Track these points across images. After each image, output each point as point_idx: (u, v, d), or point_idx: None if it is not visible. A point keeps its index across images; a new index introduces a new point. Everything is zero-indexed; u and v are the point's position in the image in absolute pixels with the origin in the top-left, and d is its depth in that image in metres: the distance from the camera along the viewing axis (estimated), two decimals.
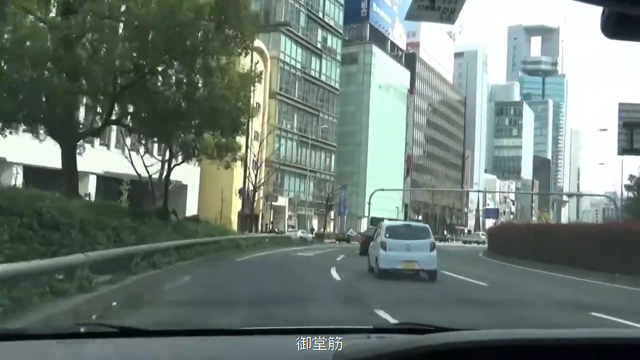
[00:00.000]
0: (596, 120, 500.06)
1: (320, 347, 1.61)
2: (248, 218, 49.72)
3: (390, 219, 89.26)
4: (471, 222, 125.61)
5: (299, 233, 48.67)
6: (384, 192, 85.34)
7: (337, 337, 1.77)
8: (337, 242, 54.94)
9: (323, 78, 72.25)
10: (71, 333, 1.86)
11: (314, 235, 51.88)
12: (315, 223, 69.46)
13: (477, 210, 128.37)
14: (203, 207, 49.61)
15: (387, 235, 15.19)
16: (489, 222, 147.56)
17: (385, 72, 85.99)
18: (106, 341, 1.81)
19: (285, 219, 63.61)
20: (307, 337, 1.84)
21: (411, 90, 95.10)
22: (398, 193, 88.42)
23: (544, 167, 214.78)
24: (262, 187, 51.13)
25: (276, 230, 57.17)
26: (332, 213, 71.12)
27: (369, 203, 68.65)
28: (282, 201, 61.85)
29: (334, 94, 74.81)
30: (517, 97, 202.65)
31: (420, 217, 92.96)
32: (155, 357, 1.76)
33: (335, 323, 2.38)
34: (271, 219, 60.26)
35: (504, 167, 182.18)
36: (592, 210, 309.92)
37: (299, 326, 2.05)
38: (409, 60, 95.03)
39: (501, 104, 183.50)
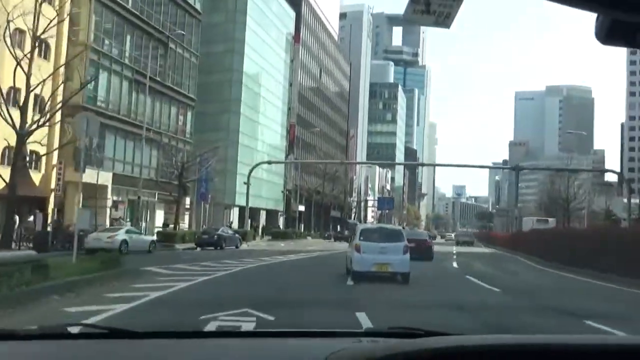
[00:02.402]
0: (451, 115, 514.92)
1: (312, 351, 1.60)
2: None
3: (268, 210, 65.08)
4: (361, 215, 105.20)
5: (121, 234, 23.18)
6: (264, 173, 60.84)
7: (328, 341, 1.81)
8: (198, 249, 30.27)
9: None
10: (61, 334, 1.83)
11: (155, 238, 26.46)
12: (161, 215, 43.68)
13: (359, 201, 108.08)
14: None
15: (362, 237, 14.86)
16: (371, 214, 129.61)
17: (266, 3, 61.55)
18: (96, 342, 1.78)
19: (107, 208, 37.08)
20: (299, 340, 1.90)
21: (296, 38, 71.53)
22: (280, 176, 64.66)
23: (412, 158, 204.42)
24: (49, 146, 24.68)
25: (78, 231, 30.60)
26: (187, 200, 45.82)
27: (247, 183, 44.12)
28: (97, 176, 35.25)
29: (195, 18, 49.00)
30: (391, 79, 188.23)
31: (303, 208, 69.82)
32: (144, 359, 1.71)
33: (327, 326, 2.21)
34: (78, 205, 33.57)
35: (377, 154, 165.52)
36: (442, 204, 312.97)
37: (291, 329, 2.03)
38: None
39: (376, 85, 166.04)
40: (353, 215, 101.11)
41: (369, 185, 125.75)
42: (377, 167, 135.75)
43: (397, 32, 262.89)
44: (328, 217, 79.66)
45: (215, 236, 31.27)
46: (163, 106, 44.67)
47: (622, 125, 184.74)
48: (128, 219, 38.50)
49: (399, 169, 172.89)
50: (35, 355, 1.67)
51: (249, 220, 46.00)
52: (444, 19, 2.16)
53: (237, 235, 34.68)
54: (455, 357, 1.25)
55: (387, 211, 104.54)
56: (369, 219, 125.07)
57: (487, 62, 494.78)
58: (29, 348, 1.72)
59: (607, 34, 1.11)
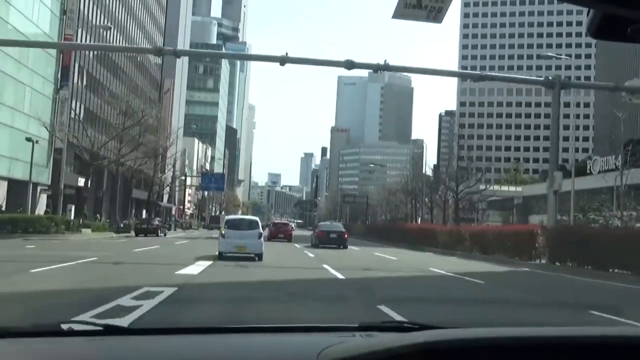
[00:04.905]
0: (270, 98, 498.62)
1: (306, 346, 1.61)
2: None
3: (17, 182, 37.55)
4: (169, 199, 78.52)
5: None
6: (3, 111, 33.58)
7: (322, 336, 1.83)
8: None
9: None
10: (54, 331, 1.82)
11: None
12: None
13: (173, 178, 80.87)
14: None
15: (226, 226, 18.72)
16: (188, 198, 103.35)
17: None
18: (90, 339, 1.77)
19: None
20: (292, 336, 1.90)
21: None
22: (42, 125, 37.27)
23: (232, 138, 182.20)
24: None
25: None
26: None
27: None
28: None
29: None
30: (214, 40, 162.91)
31: (84, 183, 42.70)
32: (140, 355, 1.71)
33: (321, 321, 2.25)
34: None
35: (196, 128, 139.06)
36: (256, 192, 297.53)
37: (285, 324, 2.04)
38: None
39: (196, 45, 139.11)
40: (166, 197, 75.14)
41: (186, 162, 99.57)
42: (196, 141, 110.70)
43: (217, 3, 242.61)
44: (129, 198, 53.57)
45: None
46: None
47: (440, 116, 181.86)
48: None
49: (220, 147, 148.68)
50: (29, 353, 1.63)
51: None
52: (436, 14, 2.48)
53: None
54: (448, 351, 1.25)
55: (212, 193, 79.95)
56: (186, 204, 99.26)
57: (312, 44, 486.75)
58: (22, 345, 1.67)
59: (598, 29, 1.11)
